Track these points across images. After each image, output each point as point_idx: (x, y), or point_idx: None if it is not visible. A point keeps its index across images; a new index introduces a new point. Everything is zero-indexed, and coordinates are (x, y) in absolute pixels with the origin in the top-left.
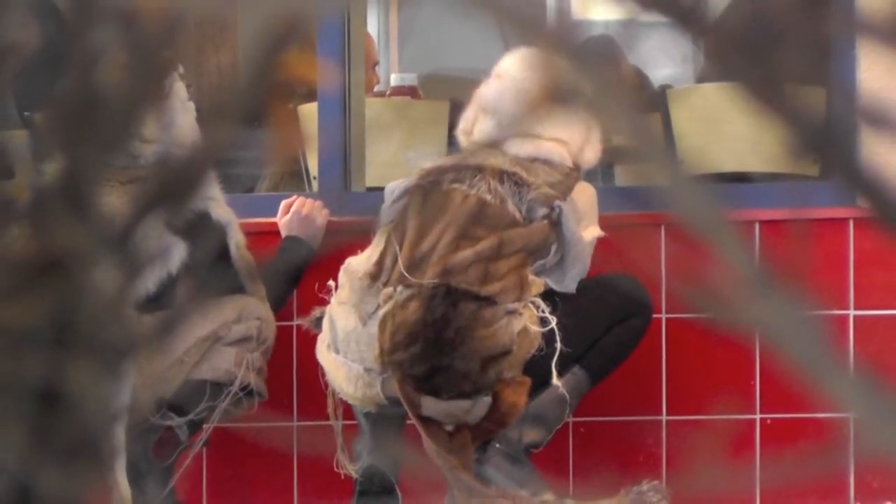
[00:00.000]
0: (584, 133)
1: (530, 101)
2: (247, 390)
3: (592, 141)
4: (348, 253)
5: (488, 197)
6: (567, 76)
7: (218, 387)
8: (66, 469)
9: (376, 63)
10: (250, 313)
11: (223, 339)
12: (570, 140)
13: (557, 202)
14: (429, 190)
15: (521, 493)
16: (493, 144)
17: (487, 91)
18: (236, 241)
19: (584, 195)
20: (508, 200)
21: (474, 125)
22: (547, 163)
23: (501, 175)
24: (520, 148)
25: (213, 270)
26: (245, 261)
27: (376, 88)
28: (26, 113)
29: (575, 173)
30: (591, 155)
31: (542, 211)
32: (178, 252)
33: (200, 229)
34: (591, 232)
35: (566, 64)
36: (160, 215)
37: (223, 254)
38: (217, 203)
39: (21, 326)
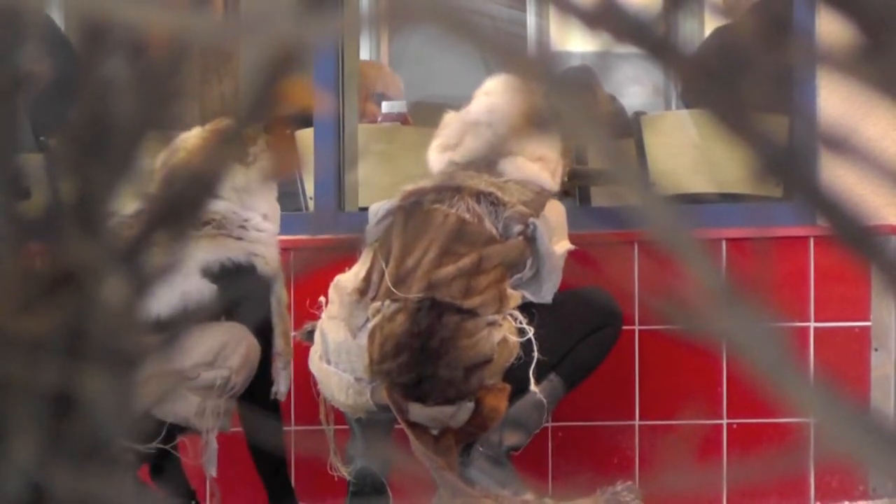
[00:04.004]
0: (559, 152)
1: (512, 123)
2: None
3: (564, 159)
4: (337, 271)
5: (467, 216)
6: (545, 102)
7: (174, 427)
8: (78, 470)
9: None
10: (224, 360)
11: (190, 381)
12: (548, 158)
13: (532, 219)
14: (411, 210)
15: (503, 493)
16: (480, 162)
17: (476, 108)
18: (278, 296)
19: (555, 212)
20: (486, 219)
21: (461, 140)
22: (520, 182)
23: (478, 195)
24: (506, 167)
25: (251, 318)
26: (282, 318)
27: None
28: (42, 138)
29: (546, 191)
30: (561, 172)
31: (518, 228)
32: (205, 295)
33: (243, 282)
34: (562, 246)
35: (545, 91)
36: (165, 234)
37: (264, 307)
38: (264, 260)
39: (37, 336)
